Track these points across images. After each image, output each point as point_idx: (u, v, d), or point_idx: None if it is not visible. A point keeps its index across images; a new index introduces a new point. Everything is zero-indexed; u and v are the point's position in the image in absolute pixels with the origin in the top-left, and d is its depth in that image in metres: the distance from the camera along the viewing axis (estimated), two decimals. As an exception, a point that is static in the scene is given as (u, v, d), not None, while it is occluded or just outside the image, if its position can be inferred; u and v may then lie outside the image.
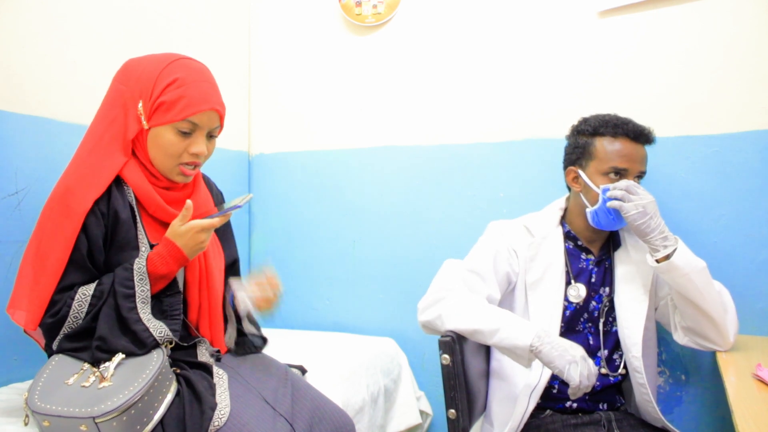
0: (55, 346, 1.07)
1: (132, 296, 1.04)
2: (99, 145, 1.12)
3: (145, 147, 1.14)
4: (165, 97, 1.09)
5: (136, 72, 1.13)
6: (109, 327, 1.03)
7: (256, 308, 1.17)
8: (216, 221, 1.07)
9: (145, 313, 1.05)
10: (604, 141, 1.32)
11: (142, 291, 1.05)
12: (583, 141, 1.36)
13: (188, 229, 1.06)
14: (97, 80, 1.20)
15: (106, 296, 1.05)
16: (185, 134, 1.12)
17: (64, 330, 1.05)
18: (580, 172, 1.35)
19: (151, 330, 1.04)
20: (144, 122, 1.11)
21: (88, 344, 1.04)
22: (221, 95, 1.18)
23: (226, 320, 1.30)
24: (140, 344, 1.03)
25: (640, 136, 1.31)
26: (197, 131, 1.14)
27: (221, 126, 1.19)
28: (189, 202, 1.08)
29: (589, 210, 1.33)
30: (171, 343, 1.10)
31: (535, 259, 1.38)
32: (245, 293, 1.17)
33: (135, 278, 1.05)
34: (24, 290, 1.07)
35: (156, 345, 1.05)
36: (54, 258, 1.05)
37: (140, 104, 1.11)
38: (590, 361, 1.11)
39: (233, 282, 1.23)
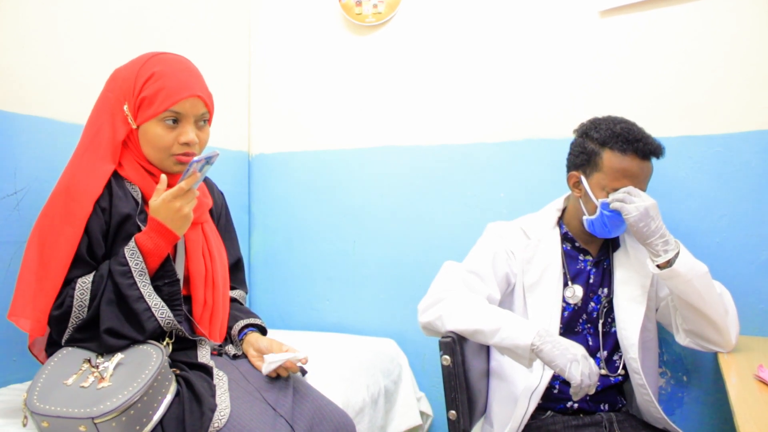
0: (64, 339, 1.08)
1: (128, 272, 1.06)
2: (89, 150, 1.15)
3: (138, 146, 1.16)
4: (145, 92, 1.12)
5: (120, 76, 1.17)
6: (113, 312, 1.05)
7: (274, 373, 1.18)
8: (183, 184, 1.07)
9: (145, 286, 1.07)
10: (612, 156, 1.27)
11: (137, 264, 1.07)
12: (590, 147, 1.32)
13: (161, 201, 1.07)
14: (97, 80, 1.20)
15: (105, 280, 1.06)
16: (172, 125, 1.14)
17: (72, 321, 1.06)
18: (583, 179, 1.34)
19: (153, 310, 1.06)
20: (132, 122, 1.14)
21: (97, 333, 1.05)
22: (205, 83, 1.20)
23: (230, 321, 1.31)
24: (142, 328, 1.05)
25: (650, 155, 1.28)
26: (183, 120, 1.15)
27: (210, 112, 1.20)
28: (163, 176, 1.10)
29: (586, 218, 1.33)
30: (171, 338, 1.11)
31: (531, 262, 1.38)
32: (272, 360, 1.17)
33: (127, 254, 1.07)
34: (27, 297, 1.07)
35: (159, 328, 1.07)
36: (57, 263, 1.07)
37: (125, 106, 1.14)
38: (591, 360, 1.10)
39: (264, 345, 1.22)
